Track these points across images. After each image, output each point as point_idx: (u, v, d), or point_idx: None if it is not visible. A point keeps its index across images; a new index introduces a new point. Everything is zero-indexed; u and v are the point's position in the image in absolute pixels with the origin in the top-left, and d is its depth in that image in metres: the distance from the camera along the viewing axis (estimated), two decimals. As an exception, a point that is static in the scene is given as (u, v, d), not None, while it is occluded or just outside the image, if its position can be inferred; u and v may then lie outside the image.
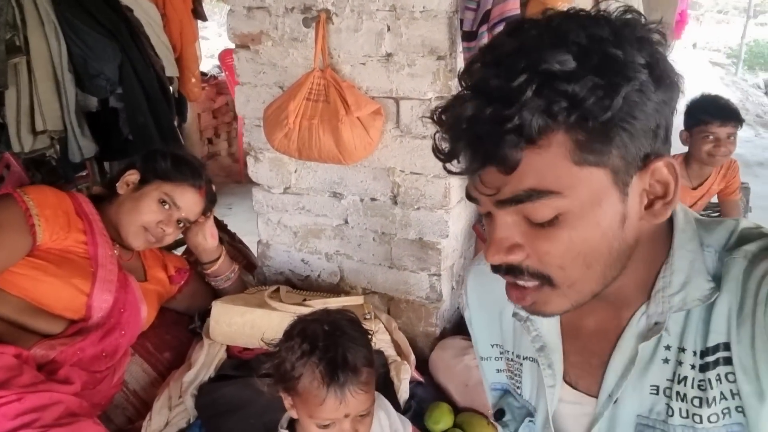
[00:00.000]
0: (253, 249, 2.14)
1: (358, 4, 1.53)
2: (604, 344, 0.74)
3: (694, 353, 0.68)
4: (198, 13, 3.41)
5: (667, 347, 0.70)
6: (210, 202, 1.74)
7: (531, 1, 1.55)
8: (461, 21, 1.48)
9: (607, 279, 0.66)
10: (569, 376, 0.79)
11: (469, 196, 0.66)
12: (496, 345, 0.89)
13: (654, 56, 0.58)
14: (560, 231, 0.62)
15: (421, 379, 1.71)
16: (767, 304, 0.61)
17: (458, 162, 0.63)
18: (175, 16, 3.12)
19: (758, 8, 17.87)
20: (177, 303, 1.85)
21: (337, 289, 1.93)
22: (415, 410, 1.59)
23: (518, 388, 0.85)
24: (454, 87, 1.54)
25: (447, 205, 1.68)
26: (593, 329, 0.76)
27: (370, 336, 1.16)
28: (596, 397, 0.74)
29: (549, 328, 0.79)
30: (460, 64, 1.54)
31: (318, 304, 1.69)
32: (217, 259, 1.82)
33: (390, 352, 1.71)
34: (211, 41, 7.76)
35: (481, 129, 0.58)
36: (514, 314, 0.83)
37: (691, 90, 2.48)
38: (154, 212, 1.60)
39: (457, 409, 1.64)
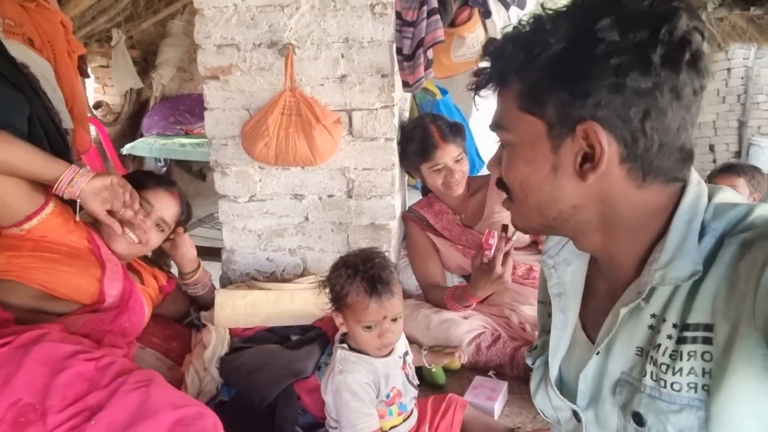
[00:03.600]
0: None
1: (316, 38, 1.97)
2: (610, 306, 0.82)
3: (674, 325, 0.73)
4: (82, 71, 3.52)
5: (653, 315, 0.76)
6: (186, 211, 1.99)
7: (435, 64, 2.11)
8: (398, 48, 2.00)
9: (548, 218, 0.78)
10: (588, 327, 0.90)
11: None
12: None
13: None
14: (508, 156, 0.80)
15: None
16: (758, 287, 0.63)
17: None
18: (66, 72, 3.23)
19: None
20: (162, 309, 2.04)
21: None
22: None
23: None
24: (396, 98, 2.03)
25: (393, 192, 2.13)
26: (604, 292, 0.87)
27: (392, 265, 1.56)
28: None
29: (572, 279, 0.91)
30: (398, 79, 2.03)
31: (303, 281, 2.05)
32: (198, 268, 2.07)
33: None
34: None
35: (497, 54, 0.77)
36: (542, 262, 0.96)
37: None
38: None
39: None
